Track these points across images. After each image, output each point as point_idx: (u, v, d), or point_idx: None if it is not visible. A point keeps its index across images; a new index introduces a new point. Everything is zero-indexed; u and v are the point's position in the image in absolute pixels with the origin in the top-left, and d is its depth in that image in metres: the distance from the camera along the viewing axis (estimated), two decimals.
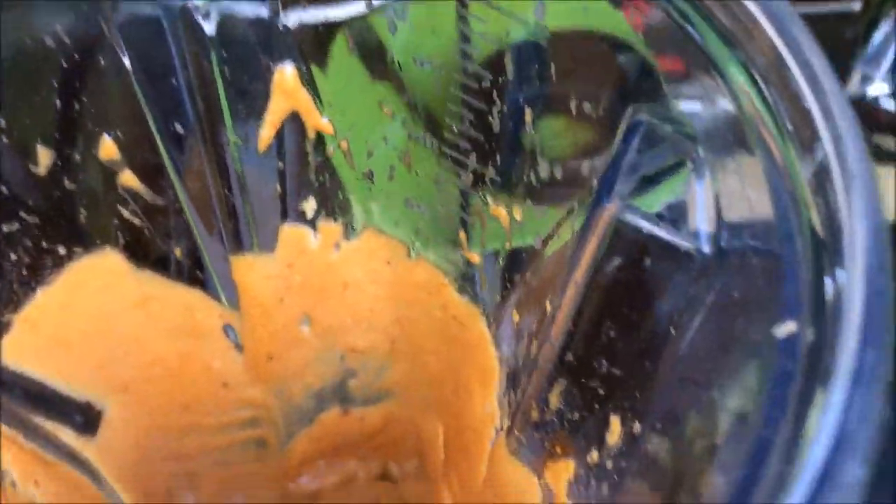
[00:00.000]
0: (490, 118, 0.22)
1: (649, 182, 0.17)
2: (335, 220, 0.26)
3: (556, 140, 0.21)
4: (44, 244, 0.24)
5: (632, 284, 0.18)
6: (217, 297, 0.27)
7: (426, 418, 0.32)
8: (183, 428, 0.30)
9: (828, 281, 0.13)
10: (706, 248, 0.17)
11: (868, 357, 0.11)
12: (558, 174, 0.21)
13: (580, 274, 0.19)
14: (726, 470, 0.14)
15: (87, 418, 0.27)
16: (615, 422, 0.20)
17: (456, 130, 0.23)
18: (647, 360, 0.19)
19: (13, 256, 0.23)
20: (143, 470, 0.30)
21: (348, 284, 0.28)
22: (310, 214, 0.26)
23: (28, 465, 0.24)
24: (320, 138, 0.25)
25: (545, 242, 0.23)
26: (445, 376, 0.29)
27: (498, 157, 0.23)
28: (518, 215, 0.23)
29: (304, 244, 0.26)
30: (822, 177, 0.14)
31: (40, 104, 0.22)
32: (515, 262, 0.24)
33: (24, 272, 0.24)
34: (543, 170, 0.22)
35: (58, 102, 0.22)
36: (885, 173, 0.33)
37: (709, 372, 0.16)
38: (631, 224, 0.17)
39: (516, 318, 0.25)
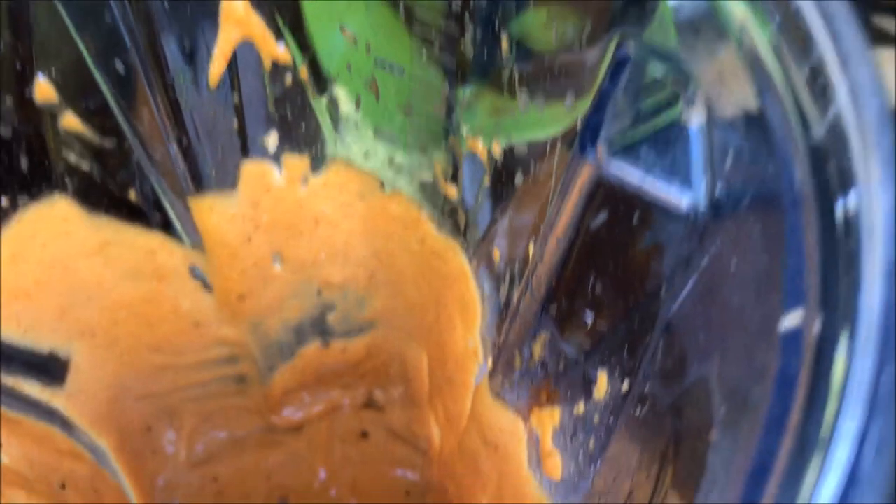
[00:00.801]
0: (462, 42, 0.20)
1: (636, 127, 0.15)
2: (300, 153, 0.24)
3: (540, 32, 0.19)
4: None
5: (618, 241, 0.16)
6: (179, 239, 0.25)
7: (410, 346, 0.31)
8: (156, 367, 0.29)
9: (841, 263, 0.11)
10: (700, 205, 0.15)
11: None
12: (539, 100, 0.19)
13: (561, 228, 0.17)
14: (730, 447, 0.13)
15: (52, 369, 0.26)
16: (602, 376, 0.19)
17: (424, 57, 0.21)
18: (635, 317, 0.17)
19: None
20: (118, 411, 0.29)
21: (319, 220, 0.26)
22: (272, 149, 0.24)
23: None
24: (277, 68, 0.22)
25: (526, 178, 0.21)
26: (427, 306, 0.28)
27: (472, 79, 0.21)
28: (497, 150, 0.21)
29: (269, 181, 0.25)
30: (835, 131, 0.12)
31: None
32: (495, 198, 0.23)
33: None
34: (523, 93, 0.20)
35: None
36: (886, 58, 0.31)
37: (702, 344, 0.14)
38: (616, 176, 0.15)
39: (498, 255, 0.23)
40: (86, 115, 0.22)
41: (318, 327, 0.30)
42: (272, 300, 0.28)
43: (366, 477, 0.32)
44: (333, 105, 0.23)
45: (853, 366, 0.11)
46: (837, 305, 0.11)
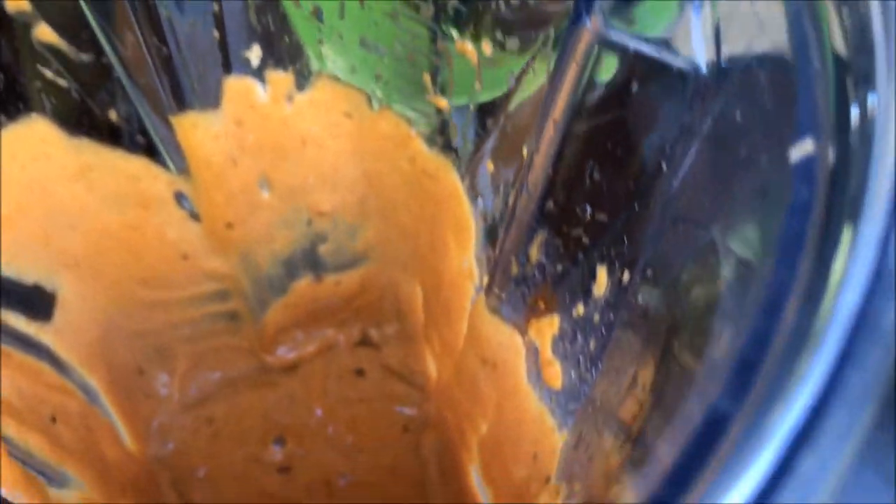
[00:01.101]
0: None
1: None
2: (284, 68, 0.24)
3: None
4: None
5: (617, 116, 0.16)
6: (164, 164, 0.25)
7: (404, 278, 0.30)
8: (145, 303, 0.28)
9: (854, 105, 0.11)
10: (703, 67, 0.14)
11: None
12: None
13: (559, 110, 0.16)
14: (732, 320, 0.12)
15: (38, 302, 0.25)
16: (601, 272, 0.18)
17: None
18: (635, 201, 0.17)
19: None
20: (108, 350, 0.28)
21: (307, 141, 0.25)
22: (255, 63, 0.23)
23: None
24: None
25: (519, 80, 0.20)
26: (420, 231, 0.27)
27: None
28: (488, 50, 0.21)
29: (253, 98, 0.24)
30: None
31: None
32: (488, 106, 0.22)
33: None
34: None
35: None
36: None
37: (707, 209, 0.14)
38: (615, 42, 0.15)
39: (491, 168, 0.23)
40: (60, 26, 0.21)
41: (310, 260, 0.29)
42: (261, 229, 0.27)
43: (363, 414, 0.32)
44: (317, 14, 0.22)
45: (866, 195, 0.10)
46: (849, 132, 0.10)
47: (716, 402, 0.09)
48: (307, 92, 0.24)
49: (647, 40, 0.15)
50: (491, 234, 0.24)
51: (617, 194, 0.17)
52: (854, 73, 0.11)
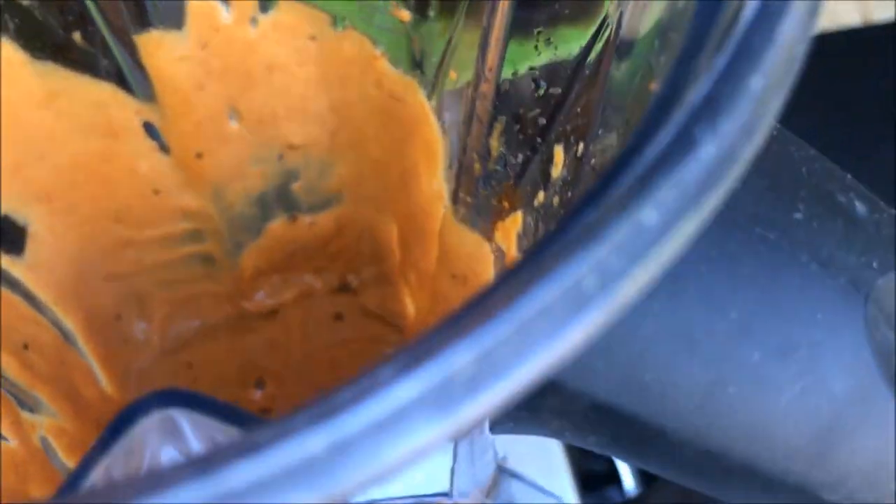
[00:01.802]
0: None
1: None
2: None
3: None
4: None
5: None
6: (130, 90, 0.25)
7: (379, 218, 0.30)
8: (119, 242, 0.28)
9: None
10: None
11: None
12: None
13: None
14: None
15: (9, 234, 0.25)
16: (558, 152, 0.19)
17: None
18: (586, 67, 0.17)
19: None
20: (83, 290, 0.28)
21: (273, 67, 0.26)
22: None
23: None
24: None
25: None
26: (391, 162, 0.28)
27: None
28: None
29: (216, 19, 0.24)
30: None
31: None
32: (448, 12, 0.22)
33: None
34: None
35: None
36: None
37: (643, 46, 0.14)
38: None
39: (454, 75, 0.23)
40: None
41: (284, 199, 0.29)
42: (231, 162, 0.27)
43: (342, 356, 0.32)
44: None
45: None
46: None
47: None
48: (271, 14, 0.24)
49: None
50: (456, 145, 0.24)
51: (567, 65, 0.17)
52: None
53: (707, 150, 0.08)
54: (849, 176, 0.13)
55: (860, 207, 0.13)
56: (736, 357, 0.12)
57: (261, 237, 0.30)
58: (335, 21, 0.25)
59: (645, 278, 0.07)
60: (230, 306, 0.32)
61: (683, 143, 0.08)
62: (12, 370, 0.23)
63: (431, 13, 0.23)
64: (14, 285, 0.26)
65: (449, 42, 0.23)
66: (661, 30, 0.12)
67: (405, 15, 0.23)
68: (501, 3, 0.17)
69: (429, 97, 0.25)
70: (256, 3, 0.24)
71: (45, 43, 0.23)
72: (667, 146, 0.08)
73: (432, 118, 0.25)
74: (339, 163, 0.29)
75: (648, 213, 0.07)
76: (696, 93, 0.08)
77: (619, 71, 0.15)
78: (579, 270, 0.07)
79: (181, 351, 0.32)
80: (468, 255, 0.23)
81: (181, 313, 0.32)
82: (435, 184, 0.26)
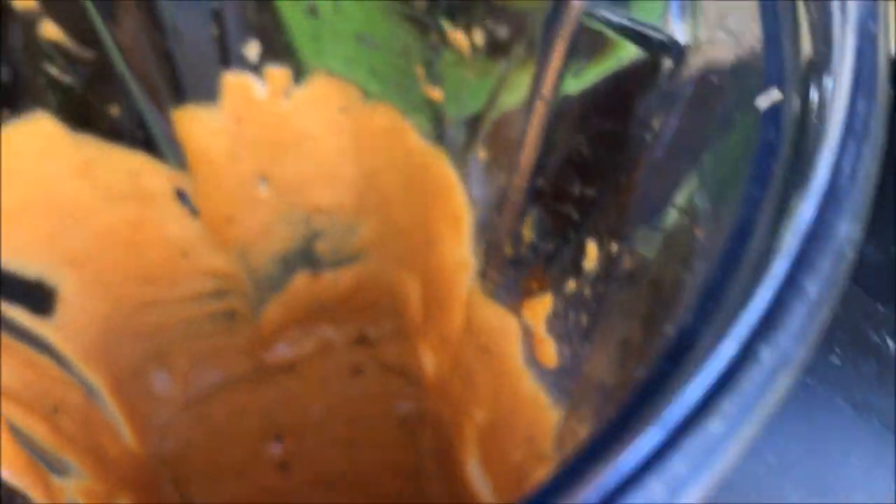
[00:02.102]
0: None
1: None
2: (282, 64, 0.24)
3: None
4: None
5: (603, 90, 0.16)
6: (163, 159, 0.25)
7: (400, 275, 0.31)
8: (145, 302, 0.29)
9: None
10: (682, 39, 0.15)
11: (859, 109, 0.10)
12: None
13: (547, 87, 0.17)
14: (706, 258, 0.13)
15: (40, 296, 0.26)
16: (591, 246, 0.19)
17: None
18: (622, 174, 0.17)
19: None
20: (109, 349, 0.29)
21: (304, 137, 0.26)
22: (253, 59, 0.24)
23: None
24: None
25: (511, 67, 0.21)
26: (415, 226, 0.28)
27: None
28: (479, 39, 0.21)
29: (251, 93, 0.25)
30: None
31: None
32: (479, 91, 0.23)
33: None
34: None
35: None
36: None
37: (686, 168, 0.15)
38: (600, 18, 0.15)
39: (483, 155, 0.23)
40: (65, 22, 0.22)
41: (307, 257, 0.30)
42: (259, 226, 0.28)
43: (361, 411, 0.32)
44: (313, 9, 0.23)
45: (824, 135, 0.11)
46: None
47: (685, 322, 0.09)
48: (304, 87, 0.25)
49: (628, 18, 0.15)
50: (484, 221, 0.24)
51: (604, 168, 0.18)
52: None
53: (767, 362, 0.08)
54: (880, 307, 0.14)
55: (892, 345, 0.13)
56: (773, 498, 0.12)
57: (283, 292, 0.31)
58: (367, 94, 0.25)
59: (711, 482, 0.08)
60: (250, 359, 0.32)
61: (746, 359, 0.08)
62: (44, 436, 0.24)
63: (465, 95, 0.23)
64: (44, 347, 0.26)
65: (481, 121, 0.23)
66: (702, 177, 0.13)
67: (438, 94, 0.24)
68: (537, 112, 0.18)
69: (457, 167, 0.25)
70: (290, 76, 0.25)
71: (83, 116, 0.24)
72: (729, 362, 0.08)
73: (460, 191, 0.25)
74: (363, 224, 0.29)
75: (715, 425, 0.08)
76: (754, 300, 0.09)
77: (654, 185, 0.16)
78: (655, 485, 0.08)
79: (202, 404, 0.32)
80: (494, 329, 0.24)
81: (202, 366, 0.32)
82: (459, 253, 0.26)
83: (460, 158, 0.25)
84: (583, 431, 0.20)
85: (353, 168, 0.27)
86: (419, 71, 0.24)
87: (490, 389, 0.25)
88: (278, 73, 0.24)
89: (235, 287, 0.30)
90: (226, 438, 0.32)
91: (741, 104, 0.13)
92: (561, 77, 0.17)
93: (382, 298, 0.32)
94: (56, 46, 0.22)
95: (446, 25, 0.22)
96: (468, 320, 0.26)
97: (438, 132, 0.25)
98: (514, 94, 0.21)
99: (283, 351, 0.32)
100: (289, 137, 0.26)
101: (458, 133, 0.24)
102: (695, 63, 0.15)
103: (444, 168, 0.25)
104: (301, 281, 0.30)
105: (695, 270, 0.12)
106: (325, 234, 0.29)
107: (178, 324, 0.30)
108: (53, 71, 0.22)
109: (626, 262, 0.17)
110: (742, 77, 0.13)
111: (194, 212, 0.27)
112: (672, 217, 0.15)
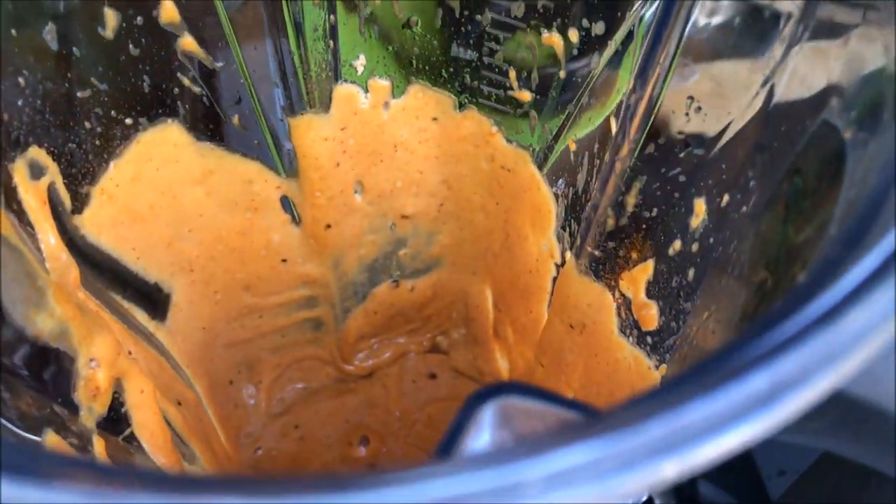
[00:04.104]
0: None
1: None
2: (383, 77, 0.27)
3: None
4: (113, 113, 0.24)
5: (720, 49, 0.19)
6: (274, 168, 0.28)
7: (473, 282, 0.33)
8: (243, 310, 0.30)
9: None
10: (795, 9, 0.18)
11: None
12: None
13: (663, 55, 0.20)
14: (854, 186, 0.15)
15: (156, 300, 0.28)
16: (699, 204, 0.22)
17: None
18: (733, 121, 0.20)
19: (87, 125, 0.23)
20: (207, 357, 0.30)
21: (398, 146, 0.29)
22: (360, 71, 0.27)
23: (121, 332, 0.24)
24: None
25: (604, 60, 0.24)
26: (494, 230, 0.30)
27: None
28: (574, 37, 0.24)
29: (356, 104, 0.27)
30: None
31: None
32: (569, 89, 0.25)
33: (97, 142, 0.24)
34: None
35: None
36: None
37: (811, 100, 0.17)
38: None
39: (573, 147, 0.26)
40: (201, 36, 0.24)
41: (390, 265, 0.32)
42: (353, 232, 0.30)
43: (438, 412, 0.34)
44: (414, 23, 0.26)
45: None
46: None
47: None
48: (401, 98, 0.28)
49: None
50: (574, 208, 0.27)
51: (716, 125, 0.20)
52: None
53: None
54: None
55: None
56: None
57: (366, 301, 0.33)
58: (458, 104, 0.28)
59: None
60: (332, 369, 0.34)
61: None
62: (176, 421, 0.25)
63: (553, 93, 0.26)
64: (161, 349, 0.28)
65: (568, 117, 0.26)
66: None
67: (526, 96, 0.27)
68: (653, 74, 0.21)
69: (540, 167, 0.28)
70: (390, 88, 0.27)
71: (208, 125, 0.26)
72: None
73: (544, 186, 0.28)
74: (443, 231, 0.32)
75: None
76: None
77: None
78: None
79: (287, 413, 0.34)
80: (588, 305, 0.26)
81: (287, 378, 0.34)
82: (545, 244, 0.29)
83: (545, 156, 0.27)
84: None
85: (438, 175, 0.30)
86: (511, 75, 0.26)
87: (581, 367, 0.27)
88: (380, 85, 0.27)
89: (325, 294, 0.32)
90: (313, 444, 0.33)
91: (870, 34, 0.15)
92: (679, 42, 0.20)
93: (454, 309, 0.34)
94: (191, 59, 0.25)
95: (542, 29, 0.25)
96: (558, 302, 0.28)
97: (523, 134, 0.27)
98: (608, 80, 0.24)
99: (362, 360, 0.34)
100: (384, 146, 0.28)
101: (543, 132, 0.27)
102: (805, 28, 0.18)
103: (527, 167, 0.28)
104: (383, 290, 0.32)
105: (841, 201, 0.15)
106: (408, 242, 0.32)
107: (268, 333, 0.32)
108: (186, 81, 0.25)
109: (743, 209, 0.20)
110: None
111: (296, 220, 0.29)
112: (803, 145, 0.17)
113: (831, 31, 0.16)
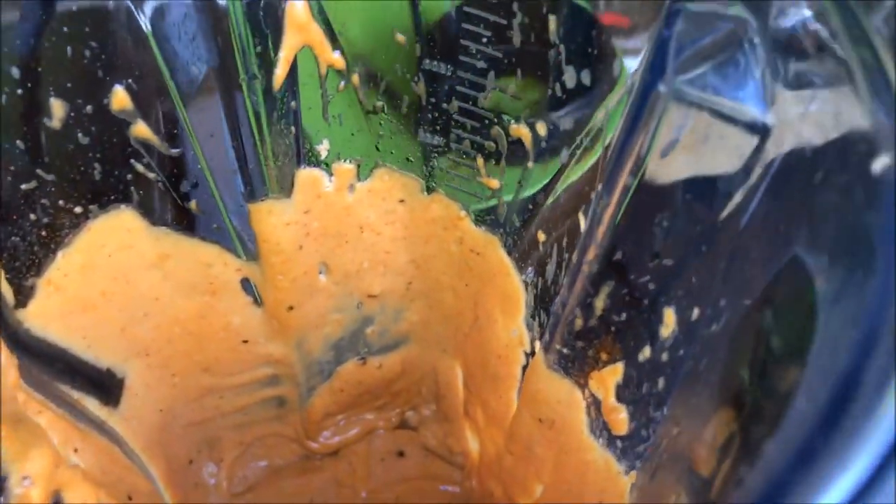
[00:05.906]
0: (509, 32, 0.22)
1: (702, 60, 0.17)
2: (348, 161, 0.26)
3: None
4: (60, 202, 0.23)
5: (688, 166, 0.18)
6: (234, 251, 0.27)
7: (443, 359, 0.32)
8: (203, 391, 0.29)
9: None
10: (771, 118, 0.17)
11: None
12: (586, 79, 0.22)
13: (629, 165, 0.19)
14: (830, 338, 0.14)
15: (109, 387, 0.27)
16: (669, 314, 0.21)
17: (473, 49, 0.23)
18: (703, 243, 0.19)
19: (32, 216, 0.22)
20: (166, 439, 0.29)
21: (364, 228, 0.28)
22: (324, 156, 0.26)
23: (65, 432, 0.23)
24: (331, 74, 0.24)
25: (573, 155, 0.23)
26: (463, 311, 0.29)
27: (519, 73, 0.23)
28: (542, 131, 0.23)
29: (320, 188, 0.26)
30: None
31: (52, 53, 0.21)
32: (539, 180, 0.25)
33: (44, 233, 0.23)
34: (570, 77, 0.22)
35: (69, 50, 0.21)
36: None
37: (783, 231, 0.16)
38: (689, 99, 0.17)
39: (542, 237, 0.25)
40: (156, 123, 0.23)
41: (357, 343, 0.31)
42: (317, 313, 0.29)
43: (406, 494, 0.33)
44: (380, 108, 0.25)
45: None
46: None
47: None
48: (367, 181, 0.27)
49: (717, 93, 0.17)
50: (542, 299, 0.26)
51: (685, 239, 0.19)
52: None
53: None
54: None
55: None
56: None
57: (332, 379, 0.32)
58: (426, 187, 0.27)
59: None
60: (297, 447, 0.33)
61: None
62: None
63: (522, 183, 0.25)
64: (113, 437, 0.27)
65: (537, 207, 0.25)
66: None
67: (495, 183, 0.26)
68: (617, 186, 0.20)
69: (509, 253, 0.27)
70: (355, 172, 0.26)
71: (163, 211, 0.25)
72: None
73: (514, 273, 0.27)
74: (411, 309, 0.31)
75: None
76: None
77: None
78: None
79: (250, 492, 0.32)
80: (557, 402, 0.25)
81: (249, 456, 0.33)
82: (514, 331, 0.28)
83: (515, 243, 0.26)
84: (666, 494, 0.21)
85: (405, 255, 0.29)
86: (479, 162, 0.25)
87: (551, 462, 0.26)
88: (345, 168, 0.26)
89: (289, 373, 0.31)
90: None
91: (845, 168, 0.15)
92: (645, 157, 0.19)
93: (424, 384, 0.33)
94: (145, 145, 0.24)
95: (510, 120, 0.24)
96: (528, 393, 0.27)
97: (493, 219, 0.27)
98: (580, 181, 0.23)
99: (328, 438, 0.33)
100: (350, 228, 0.27)
101: (511, 219, 0.26)
102: (780, 139, 0.17)
103: (496, 252, 0.27)
104: (349, 368, 0.31)
105: (814, 348, 0.14)
106: (375, 320, 0.31)
107: (230, 412, 0.31)
108: (139, 168, 0.24)
109: (713, 327, 0.19)
110: (844, 146, 0.15)
111: (258, 301, 0.28)
112: (773, 278, 0.16)
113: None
